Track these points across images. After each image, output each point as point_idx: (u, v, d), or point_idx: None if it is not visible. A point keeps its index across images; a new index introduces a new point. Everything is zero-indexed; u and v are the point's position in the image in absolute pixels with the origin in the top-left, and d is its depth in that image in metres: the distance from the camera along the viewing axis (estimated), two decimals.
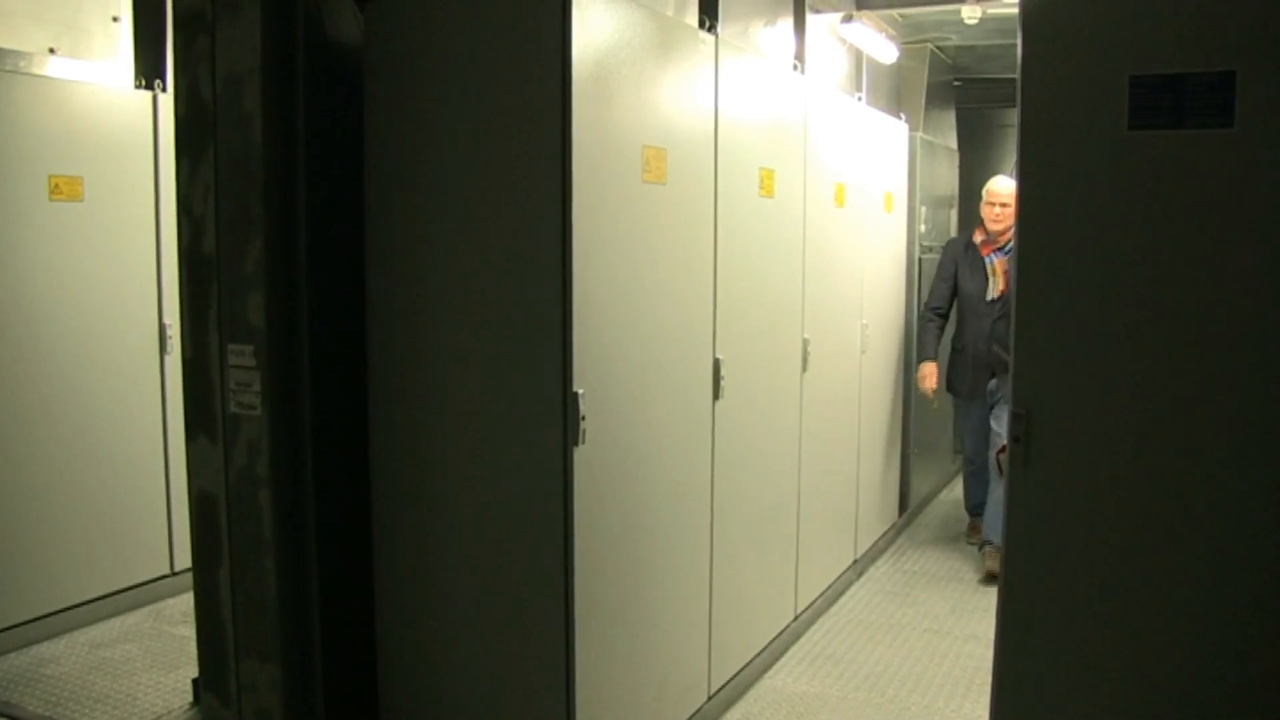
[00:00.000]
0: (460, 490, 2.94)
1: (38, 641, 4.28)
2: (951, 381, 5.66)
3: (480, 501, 2.90)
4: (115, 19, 4.71)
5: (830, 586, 4.76)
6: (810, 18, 4.71)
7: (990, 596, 2.80)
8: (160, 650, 4.24)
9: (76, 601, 4.46)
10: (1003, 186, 5.24)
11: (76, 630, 4.42)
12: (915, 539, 5.92)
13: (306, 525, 3.06)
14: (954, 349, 5.62)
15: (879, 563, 5.46)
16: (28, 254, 4.20)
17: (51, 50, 4.45)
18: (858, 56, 5.72)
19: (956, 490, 6.94)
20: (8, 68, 4.22)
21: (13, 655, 4.17)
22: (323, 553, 3.09)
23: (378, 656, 3.17)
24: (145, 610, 4.66)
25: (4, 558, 4.16)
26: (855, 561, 5.11)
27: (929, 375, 5.60)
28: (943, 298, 5.61)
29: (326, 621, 3.12)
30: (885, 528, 5.62)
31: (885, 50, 5.83)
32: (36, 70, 4.38)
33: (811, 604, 4.51)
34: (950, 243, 5.75)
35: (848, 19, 5.33)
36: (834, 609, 4.77)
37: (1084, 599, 2.51)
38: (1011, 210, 4.55)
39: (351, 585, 3.16)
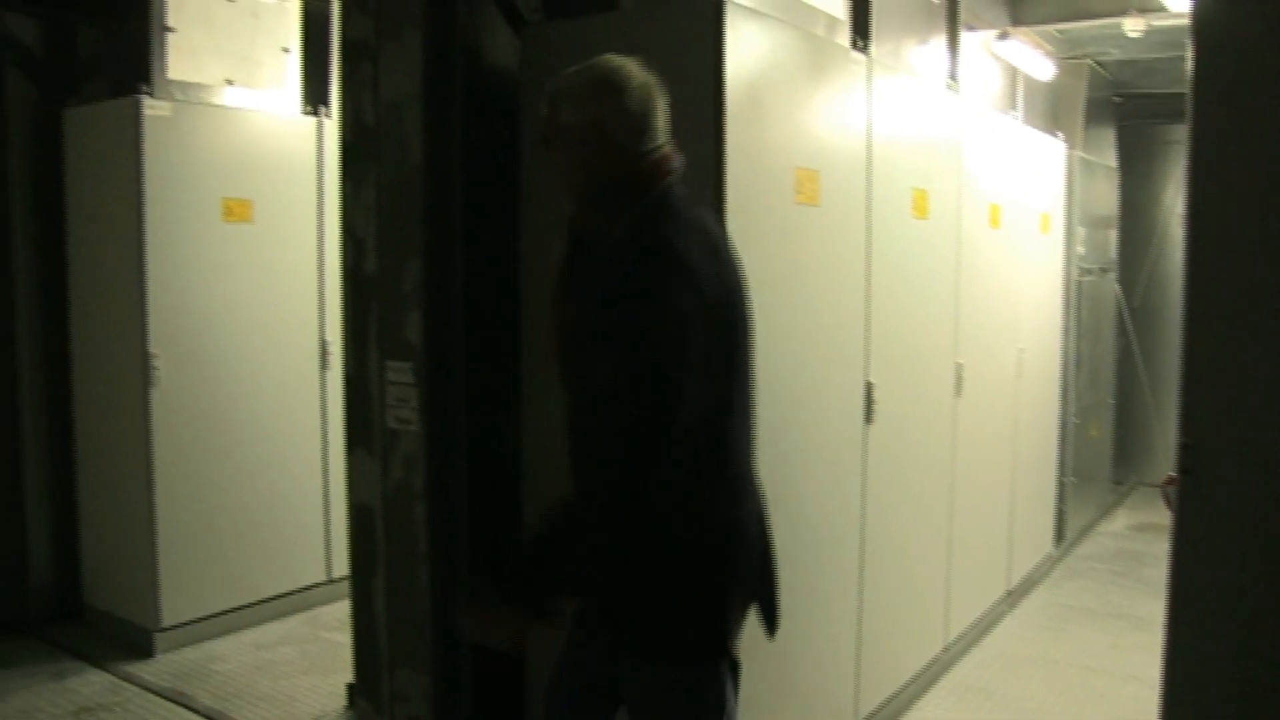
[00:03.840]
0: None
1: (208, 639, 4.50)
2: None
3: None
4: (285, 49, 4.94)
5: (982, 617, 4.62)
6: (964, 35, 4.61)
7: (1153, 635, 2.65)
8: (317, 654, 4.39)
9: (241, 603, 4.66)
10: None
11: (241, 631, 4.62)
12: (1072, 571, 5.69)
13: (459, 539, 3.12)
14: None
15: (1033, 594, 5.27)
16: (203, 273, 4.43)
17: (228, 81, 4.68)
18: (1013, 74, 5.58)
19: (1117, 522, 6.68)
20: (191, 99, 4.47)
21: (187, 650, 4.42)
22: (476, 567, 3.15)
23: (524, 670, 3.21)
24: (303, 615, 4.83)
25: (180, 559, 4.39)
26: (1009, 593, 4.94)
27: None
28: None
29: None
30: (1040, 558, 5.43)
31: (1042, 67, 5.67)
32: (215, 100, 4.63)
33: (962, 634, 4.38)
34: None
35: (1003, 36, 5.20)
36: (985, 641, 4.62)
37: (1261, 641, 2.37)
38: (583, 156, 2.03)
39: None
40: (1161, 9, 4.97)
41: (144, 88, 4.30)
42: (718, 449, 1.96)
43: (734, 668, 2.07)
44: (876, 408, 3.43)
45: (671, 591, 1.95)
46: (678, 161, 2.07)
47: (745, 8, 2.78)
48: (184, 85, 4.49)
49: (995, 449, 4.71)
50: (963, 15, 4.52)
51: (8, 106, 4.59)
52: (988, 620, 4.70)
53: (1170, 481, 2.53)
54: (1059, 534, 5.76)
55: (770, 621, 2.11)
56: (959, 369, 4.14)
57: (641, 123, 2.00)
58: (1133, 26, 5.23)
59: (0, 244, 4.59)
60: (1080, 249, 5.94)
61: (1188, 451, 2.41)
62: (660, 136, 2.03)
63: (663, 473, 1.84)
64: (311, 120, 4.93)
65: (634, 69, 2.04)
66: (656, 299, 1.84)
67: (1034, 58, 5.51)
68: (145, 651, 4.37)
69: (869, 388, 3.40)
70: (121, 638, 4.47)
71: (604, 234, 2.00)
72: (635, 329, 1.84)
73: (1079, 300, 5.89)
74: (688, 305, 1.85)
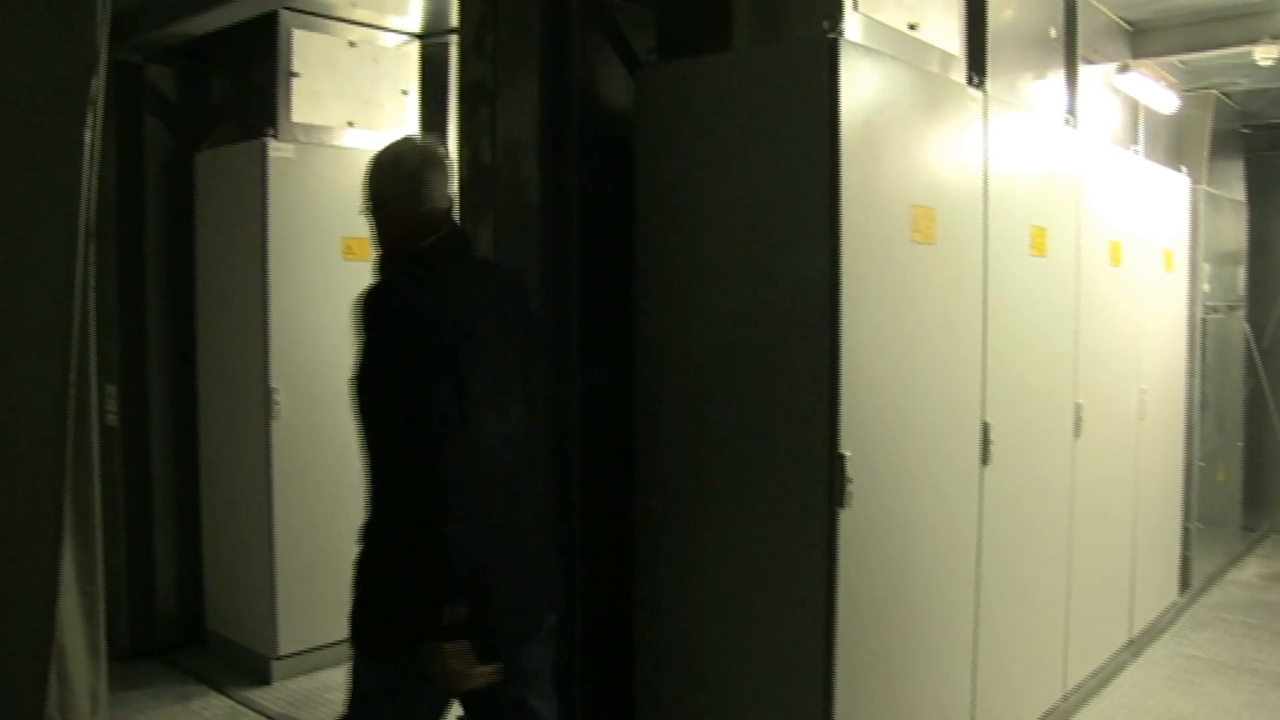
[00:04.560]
0: (726, 546, 2.95)
1: (323, 667, 4.59)
2: None
3: (746, 558, 2.90)
4: (404, 92, 5.08)
5: (1102, 667, 4.46)
6: (1083, 69, 4.52)
7: None
8: None
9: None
10: None
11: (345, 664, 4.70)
12: (1199, 621, 5.45)
13: (574, 575, 3.13)
14: None
15: (1157, 644, 5.06)
16: (323, 309, 4.55)
17: (349, 123, 4.84)
18: (1134, 107, 5.44)
19: (1248, 570, 6.40)
20: (314, 141, 4.63)
21: (302, 678, 4.53)
22: (585, 605, 3.16)
23: (635, 711, 3.20)
24: None
25: (297, 589, 4.51)
26: (1130, 642, 4.77)
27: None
28: None
29: (589, 669, 3.18)
30: (1164, 607, 5.23)
31: (1164, 100, 5.52)
32: (336, 142, 4.78)
33: (1081, 684, 4.23)
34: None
35: (1123, 69, 5.08)
36: (1106, 691, 4.45)
37: None
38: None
39: (612, 638, 3.21)
40: None
41: (270, 131, 4.47)
42: (429, 473, 2.18)
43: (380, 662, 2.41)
44: (993, 448, 3.36)
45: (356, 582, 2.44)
46: (446, 221, 2.46)
47: (859, 46, 2.78)
48: (307, 128, 4.65)
49: (1116, 492, 4.56)
50: (1081, 49, 4.43)
51: (145, 150, 4.82)
52: (1108, 670, 4.54)
53: None
54: (1184, 581, 5.54)
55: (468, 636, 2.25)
56: (1078, 409, 4.03)
57: (412, 191, 2.41)
58: (1264, 54, 5.05)
59: (135, 280, 4.81)
60: (1206, 286, 5.75)
61: None
62: (434, 201, 2.43)
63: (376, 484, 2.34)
64: None
65: (409, 146, 2.50)
66: (369, 338, 2.30)
67: (1156, 90, 5.36)
68: (263, 678, 4.48)
69: (985, 428, 3.33)
70: (241, 663, 4.60)
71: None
72: (362, 362, 2.33)
73: (1204, 339, 5.69)
74: (396, 343, 2.26)
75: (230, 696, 4.37)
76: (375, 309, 2.31)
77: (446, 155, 2.48)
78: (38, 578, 2.54)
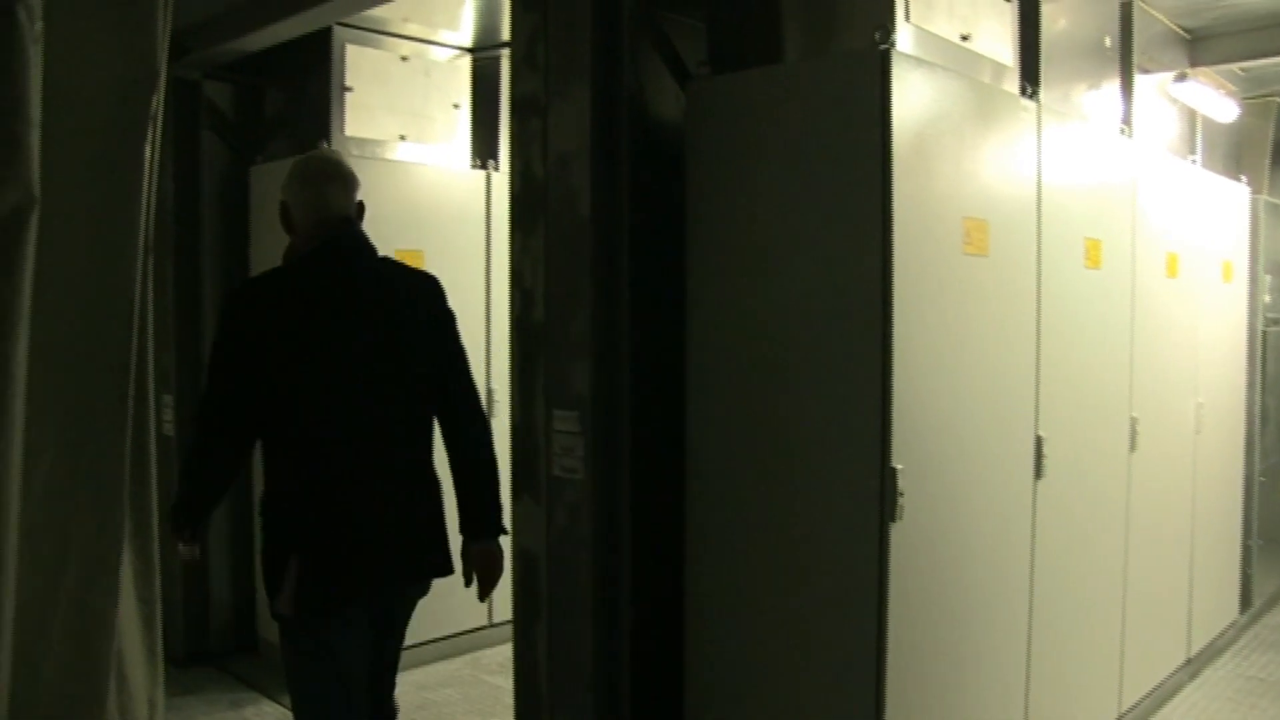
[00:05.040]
0: (775, 560, 2.93)
1: None
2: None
3: (795, 571, 2.88)
4: (456, 105, 5.13)
5: (1159, 686, 4.38)
6: (1139, 78, 4.46)
7: None
8: (478, 697, 4.47)
9: (405, 644, 4.75)
10: None
11: (405, 671, 4.67)
12: (1261, 641, 5.34)
13: (622, 587, 3.14)
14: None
15: (1217, 664, 4.96)
16: None
17: (401, 137, 4.89)
18: (1191, 116, 5.36)
19: None
20: (367, 155, 4.69)
21: None
22: (637, 614, 3.16)
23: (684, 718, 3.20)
24: (465, 658, 4.93)
25: None
26: (1188, 661, 4.68)
27: None
28: None
29: (637, 681, 3.18)
30: (1224, 625, 5.12)
31: (1223, 108, 5.43)
32: (388, 155, 4.83)
33: (1137, 704, 4.16)
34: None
35: (1181, 78, 5.00)
36: (1163, 712, 4.37)
37: None
38: None
39: (662, 647, 3.21)
40: None
41: (323, 144, 4.53)
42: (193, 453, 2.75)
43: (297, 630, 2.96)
44: (1046, 462, 3.32)
45: None
46: (339, 227, 2.77)
47: (911, 57, 2.77)
48: (360, 141, 4.71)
49: (1172, 508, 4.49)
50: (1137, 58, 4.38)
51: (202, 164, 4.91)
52: (1166, 690, 4.46)
53: None
54: (1245, 600, 5.42)
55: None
56: (1134, 423, 3.97)
57: (309, 200, 2.77)
58: None
59: (191, 292, 4.90)
60: (1266, 298, 5.64)
61: None
62: (329, 210, 2.77)
63: None
64: (480, 173, 5.11)
65: (312, 159, 2.91)
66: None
67: (1214, 99, 5.27)
68: None
69: (1039, 441, 3.29)
70: None
71: None
72: None
73: (1264, 352, 5.58)
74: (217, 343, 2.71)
75: (281, 704, 4.41)
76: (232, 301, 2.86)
77: (349, 170, 2.83)
78: (97, 584, 2.59)
